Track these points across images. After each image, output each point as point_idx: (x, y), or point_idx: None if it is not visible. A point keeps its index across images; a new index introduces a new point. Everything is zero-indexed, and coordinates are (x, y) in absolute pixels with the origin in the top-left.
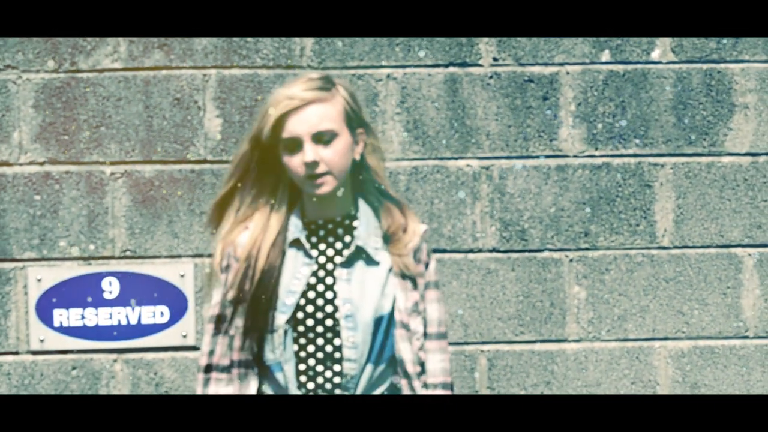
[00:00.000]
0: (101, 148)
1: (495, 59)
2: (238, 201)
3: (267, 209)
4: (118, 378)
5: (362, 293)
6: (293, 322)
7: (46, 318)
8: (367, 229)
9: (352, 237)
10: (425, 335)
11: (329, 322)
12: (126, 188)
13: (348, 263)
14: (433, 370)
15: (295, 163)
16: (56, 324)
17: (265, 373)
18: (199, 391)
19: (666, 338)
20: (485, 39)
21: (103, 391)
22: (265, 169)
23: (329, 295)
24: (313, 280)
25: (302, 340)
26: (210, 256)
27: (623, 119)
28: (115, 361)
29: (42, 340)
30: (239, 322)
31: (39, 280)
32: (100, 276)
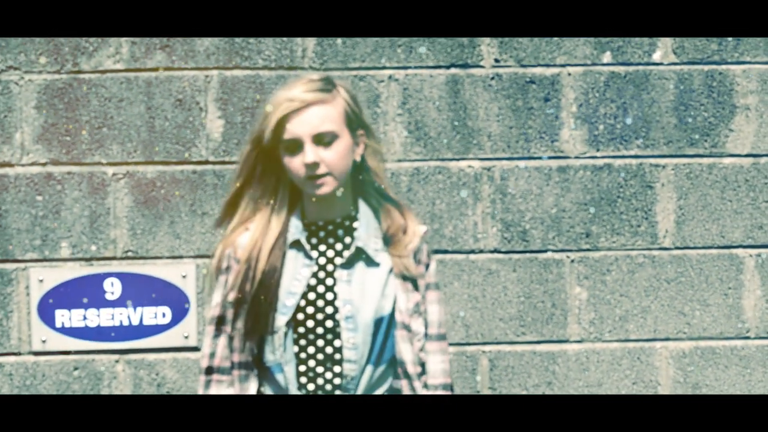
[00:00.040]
0: (103, 149)
1: (496, 60)
2: (244, 202)
3: (267, 210)
4: (120, 379)
5: (362, 294)
6: (293, 323)
7: (47, 319)
8: (367, 230)
9: (353, 238)
10: (425, 336)
11: (329, 324)
12: (128, 189)
13: (348, 264)
14: (433, 371)
15: (296, 164)
16: (58, 325)
17: (265, 374)
18: (200, 393)
19: (667, 339)
20: (487, 40)
21: (104, 392)
22: (265, 170)
23: (329, 296)
24: (313, 282)
25: (302, 342)
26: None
27: (630, 117)
28: (116, 361)
29: (44, 341)
30: (240, 323)
31: (41, 281)
32: (102, 277)
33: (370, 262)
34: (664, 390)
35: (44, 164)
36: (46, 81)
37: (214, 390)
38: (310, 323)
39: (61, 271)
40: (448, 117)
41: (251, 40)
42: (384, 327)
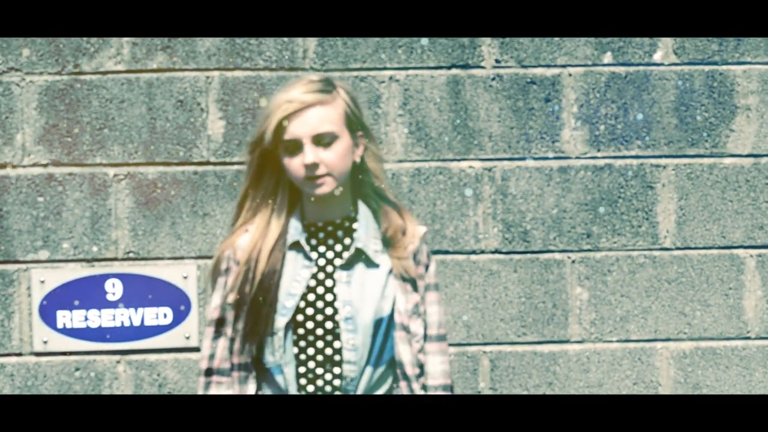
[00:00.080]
0: (104, 150)
1: (497, 61)
2: (248, 203)
3: (267, 212)
4: (122, 379)
5: (362, 295)
6: (293, 324)
7: (49, 319)
8: (366, 231)
9: (352, 239)
10: (425, 337)
11: (329, 325)
12: (129, 190)
13: (348, 265)
14: (433, 372)
15: (295, 165)
16: (59, 325)
17: (264, 376)
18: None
19: (668, 339)
20: (487, 41)
21: (106, 392)
22: (265, 171)
23: (329, 297)
24: (312, 283)
25: (302, 343)
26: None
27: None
28: (118, 362)
29: (45, 342)
30: (239, 325)
31: (42, 282)
32: (103, 278)
33: (370, 264)
34: (664, 390)
35: (45, 165)
36: (47, 82)
37: (214, 392)
38: (310, 324)
39: (62, 272)
40: (449, 117)
41: (252, 40)
42: (383, 328)
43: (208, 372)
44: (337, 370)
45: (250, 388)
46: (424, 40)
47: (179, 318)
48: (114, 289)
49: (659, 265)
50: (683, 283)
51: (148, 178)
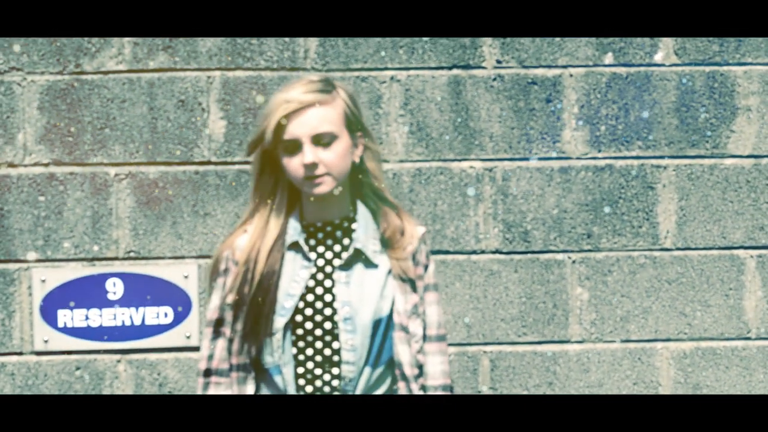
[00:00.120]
0: (105, 149)
1: (498, 61)
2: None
3: (266, 212)
4: (122, 378)
5: (361, 296)
6: (292, 325)
7: (50, 319)
8: (365, 231)
9: (351, 239)
10: (424, 338)
11: (328, 325)
12: (130, 189)
13: (347, 266)
14: (433, 372)
15: (295, 164)
16: (60, 325)
17: (263, 376)
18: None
19: (668, 339)
20: (488, 41)
21: (106, 392)
22: (264, 171)
23: (328, 297)
24: (311, 283)
25: (301, 343)
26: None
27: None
28: (118, 361)
29: (46, 341)
30: (238, 325)
31: (43, 281)
32: (104, 277)
33: (369, 264)
34: (664, 390)
35: (47, 165)
36: (48, 82)
37: (213, 392)
38: (309, 325)
39: (63, 272)
40: (450, 118)
41: (253, 40)
42: (382, 328)
43: (207, 373)
44: (335, 370)
45: (249, 389)
46: (425, 41)
47: (180, 317)
48: (115, 289)
49: (660, 265)
50: (683, 284)
51: (149, 177)
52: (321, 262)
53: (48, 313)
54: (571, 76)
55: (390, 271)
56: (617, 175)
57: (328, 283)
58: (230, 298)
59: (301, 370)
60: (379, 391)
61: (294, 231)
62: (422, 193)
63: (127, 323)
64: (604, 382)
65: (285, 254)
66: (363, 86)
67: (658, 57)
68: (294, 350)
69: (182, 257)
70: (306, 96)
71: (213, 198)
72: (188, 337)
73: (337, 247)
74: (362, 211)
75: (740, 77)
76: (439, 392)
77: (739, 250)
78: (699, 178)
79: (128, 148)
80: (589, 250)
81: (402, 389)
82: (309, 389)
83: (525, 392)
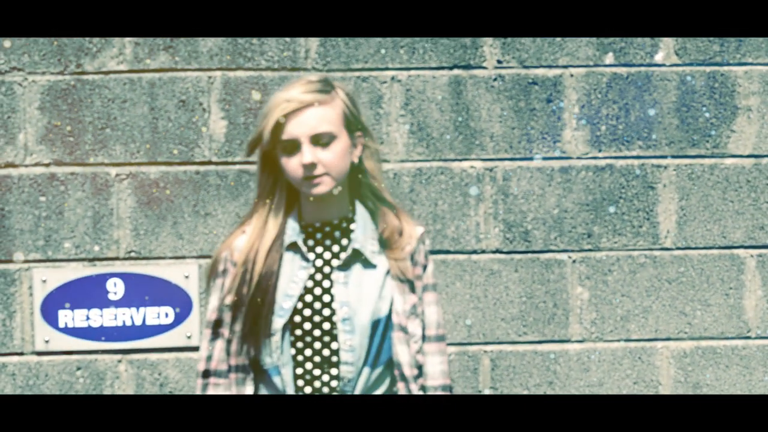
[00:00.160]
0: (106, 149)
1: (499, 61)
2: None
3: (264, 212)
4: (123, 378)
5: (359, 296)
6: (291, 325)
7: (51, 319)
8: (364, 232)
9: (350, 240)
10: (424, 338)
11: (326, 326)
12: (131, 190)
13: (345, 266)
14: (432, 372)
15: (293, 165)
16: (61, 325)
17: (262, 377)
18: None
19: (668, 339)
20: (489, 41)
21: (107, 392)
22: (263, 171)
23: (326, 298)
24: (310, 284)
25: (299, 344)
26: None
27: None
28: (119, 361)
29: (47, 341)
30: (237, 326)
31: (44, 281)
32: (105, 277)
33: (367, 264)
34: (665, 390)
35: (47, 165)
36: (49, 82)
37: (211, 393)
38: (307, 325)
39: (64, 272)
40: (451, 118)
41: (254, 40)
42: (381, 329)
43: (206, 374)
44: (334, 371)
45: (248, 390)
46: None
47: (180, 317)
48: (115, 289)
49: (660, 264)
50: (684, 283)
51: (149, 177)
52: (319, 262)
53: (49, 314)
54: (571, 76)
55: (388, 272)
56: (618, 174)
57: (326, 283)
58: (229, 299)
59: (299, 370)
60: (379, 392)
61: (292, 231)
62: (423, 193)
63: (128, 323)
64: (605, 381)
65: (283, 255)
66: (364, 86)
67: (658, 57)
68: (293, 351)
69: (183, 257)
70: (305, 96)
71: (214, 198)
72: (189, 337)
73: (336, 248)
74: (361, 212)
75: (741, 77)
76: (439, 392)
77: (739, 250)
78: (699, 177)
79: (129, 148)
80: (590, 250)
81: (401, 390)
82: (308, 390)
83: (525, 392)
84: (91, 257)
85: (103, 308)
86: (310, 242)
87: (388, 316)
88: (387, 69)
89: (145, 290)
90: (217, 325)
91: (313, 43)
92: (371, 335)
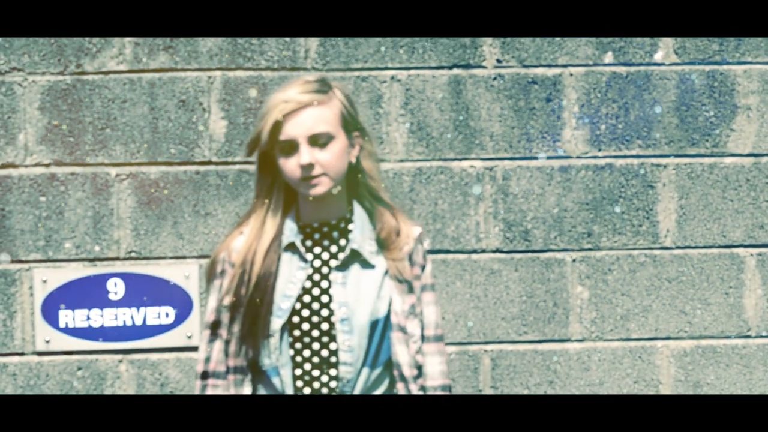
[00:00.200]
0: (106, 149)
1: (498, 61)
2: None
3: (262, 213)
4: (124, 378)
5: (358, 296)
6: (289, 326)
7: (51, 319)
8: (362, 232)
9: (348, 240)
10: (423, 338)
11: (325, 326)
12: (131, 190)
13: (343, 266)
14: (432, 372)
15: (291, 165)
16: (62, 325)
17: (261, 378)
18: None
19: (668, 338)
20: (489, 41)
21: (108, 392)
22: (261, 171)
23: (325, 298)
24: (308, 284)
25: (298, 345)
26: None
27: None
28: (120, 361)
29: (47, 341)
30: (235, 327)
31: (44, 282)
32: (106, 277)
33: (365, 264)
34: (665, 389)
35: (48, 165)
36: (49, 82)
37: (210, 395)
38: (306, 326)
39: (64, 272)
40: (451, 117)
41: (254, 40)
42: (380, 329)
43: (204, 375)
44: (333, 371)
45: (247, 391)
46: (427, 45)
47: (181, 317)
48: (116, 289)
49: (660, 264)
50: (684, 282)
51: (150, 177)
52: (317, 263)
53: (49, 314)
54: (571, 75)
55: (387, 272)
56: (617, 174)
57: (324, 284)
58: (227, 300)
59: (298, 371)
60: (378, 392)
61: (290, 232)
62: (423, 193)
63: (129, 323)
64: (605, 380)
65: (281, 255)
66: (363, 86)
67: (658, 56)
68: (291, 351)
69: (183, 257)
70: (302, 96)
71: (214, 198)
72: (189, 337)
73: (334, 248)
74: (359, 212)
75: (740, 76)
76: (439, 392)
77: (739, 249)
78: (699, 176)
79: (129, 148)
80: (590, 249)
81: (401, 390)
82: (307, 390)
83: (526, 391)
84: (91, 257)
85: (104, 308)
86: (308, 243)
87: (387, 317)
88: (386, 69)
89: (145, 290)
90: (215, 327)
91: (313, 42)
92: (370, 335)
